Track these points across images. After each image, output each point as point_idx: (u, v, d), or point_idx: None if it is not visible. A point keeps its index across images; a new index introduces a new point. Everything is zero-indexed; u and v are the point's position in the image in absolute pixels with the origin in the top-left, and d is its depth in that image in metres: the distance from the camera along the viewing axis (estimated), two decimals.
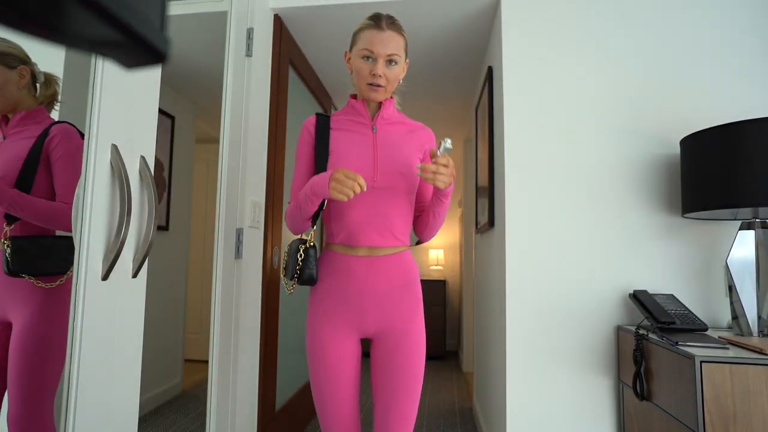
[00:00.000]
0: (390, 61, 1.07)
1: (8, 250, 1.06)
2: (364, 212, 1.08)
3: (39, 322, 1.09)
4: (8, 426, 1.04)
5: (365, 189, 0.96)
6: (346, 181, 0.94)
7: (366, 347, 4.21)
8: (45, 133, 1.12)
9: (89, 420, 0.89)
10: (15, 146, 1.10)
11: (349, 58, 1.13)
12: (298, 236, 1.16)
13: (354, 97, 1.17)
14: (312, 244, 1.10)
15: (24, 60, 1.11)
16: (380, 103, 1.14)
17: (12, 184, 1.08)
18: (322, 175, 1.01)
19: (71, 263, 0.88)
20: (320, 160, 1.11)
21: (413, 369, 1.09)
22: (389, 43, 1.05)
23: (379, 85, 1.07)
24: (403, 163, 1.10)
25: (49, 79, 1.17)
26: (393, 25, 1.07)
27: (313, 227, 1.14)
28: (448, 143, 0.99)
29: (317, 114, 1.16)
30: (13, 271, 1.06)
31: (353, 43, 1.10)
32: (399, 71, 1.10)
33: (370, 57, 1.06)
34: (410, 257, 1.15)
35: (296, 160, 1.16)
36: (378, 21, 1.06)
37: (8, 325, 1.11)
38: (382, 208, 1.08)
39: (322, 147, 1.11)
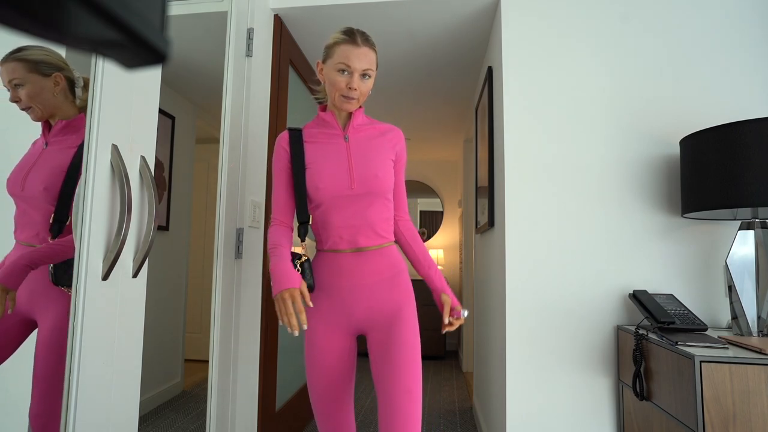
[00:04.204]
0: (364, 75, 1.13)
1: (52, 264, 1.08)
2: (347, 218, 1.14)
3: (66, 323, 1.10)
4: (30, 420, 1.05)
5: (304, 329, 1.05)
6: (291, 316, 1.01)
7: (363, 347, 4.21)
8: (83, 145, 1.14)
9: (89, 420, 0.89)
10: (57, 156, 1.11)
11: (321, 69, 1.17)
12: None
13: (323, 108, 1.22)
14: (306, 258, 1.16)
15: (59, 67, 1.12)
16: (350, 113, 1.19)
17: (56, 196, 1.09)
18: (280, 270, 1.06)
19: None
20: (298, 176, 1.16)
21: (410, 345, 1.11)
22: (365, 58, 1.11)
23: (352, 98, 1.13)
24: (377, 166, 1.15)
25: (87, 82, 1.18)
26: (367, 41, 1.13)
27: (303, 241, 1.19)
28: (465, 314, 1.17)
29: (289, 129, 1.21)
30: (57, 283, 1.08)
31: (327, 56, 1.14)
32: (371, 84, 1.16)
33: (346, 71, 1.11)
34: (395, 251, 1.20)
35: (274, 176, 1.20)
36: (353, 37, 1.11)
37: (28, 323, 1.11)
38: (362, 212, 1.14)
39: (298, 162, 1.16)
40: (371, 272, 1.14)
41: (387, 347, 1.11)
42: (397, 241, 1.26)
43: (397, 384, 1.06)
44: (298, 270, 1.14)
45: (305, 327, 1.02)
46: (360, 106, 1.20)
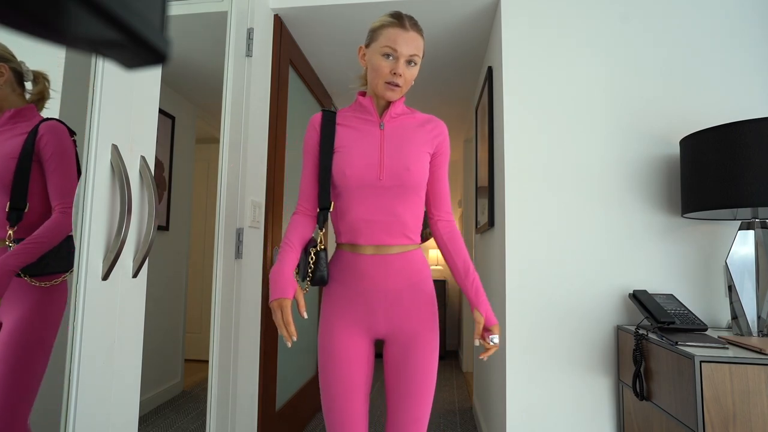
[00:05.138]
0: (410, 62, 1.06)
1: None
2: (369, 210, 1.06)
3: (31, 321, 1.08)
4: None
5: (294, 339, 1.00)
6: (280, 327, 0.99)
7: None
8: (35, 132, 1.11)
9: (89, 420, 0.89)
10: (6, 144, 1.10)
11: (364, 54, 1.11)
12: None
13: (362, 94, 1.15)
14: (322, 247, 1.10)
15: (4, 58, 1.10)
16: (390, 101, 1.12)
17: (7, 185, 1.08)
18: (276, 277, 1.03)
19: (72, 263, 0.89)
20: (325, 157, 1.09)
21: (425, 371, 1.06)
22: (412, 43, 1.04)
23: (397, 85, 1.06)
24: (410, 159, 1.06)
25: (37, 76, 1.16)
26: (415, 26, 1.06)
27: (321, 230, 1.12)
28: (494, 340, 1.08)
29: (323, 110, 1.14)
30: (24, 273, 1.07)
31: (372, 39, 1.07)
32: (416, 72, 1.08)
33: (391, 55, 1.04)
34: (421, 256, 1.12)
35: (303, 158, 1.15)
36: (401, 20, 1.04)
37: None
38: (390, 206, 1.06)
39: (327, 144, 1.10)
40: (395, 278, 1.07)
41: (403, 369, 1.06)
42: (436, 243, 1.18)
43: (406, 412, 1.04)
44: (312, 259, 1.09)
45: (294, 338, 0.99)
46: (402, 96, 1.12)
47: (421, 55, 1.07)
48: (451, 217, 1.17)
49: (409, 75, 1.07)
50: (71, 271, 0.95)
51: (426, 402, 1.06)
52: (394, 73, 1.04)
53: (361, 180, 1.06)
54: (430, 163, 1.12)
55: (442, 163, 1.14)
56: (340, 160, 1.08)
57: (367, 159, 1.07)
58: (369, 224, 1.06)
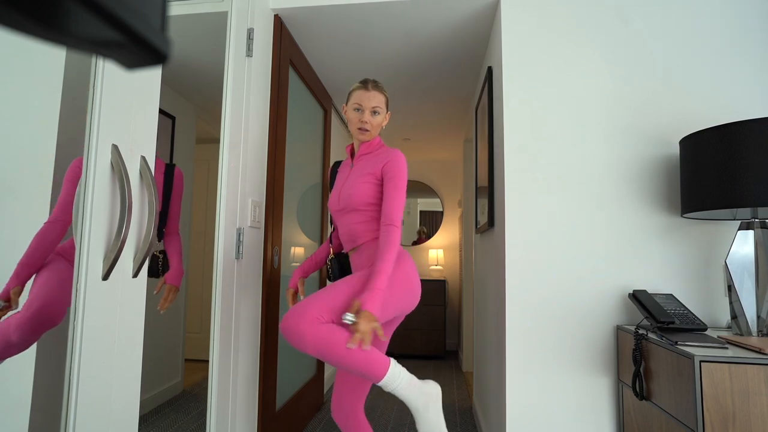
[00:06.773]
0: (374, 112, 1.44)
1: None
2: (342, 227, 1.47)
3: None
4: None
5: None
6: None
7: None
8: (171, 170, 1.69)
9: (90, 420, 0.89)
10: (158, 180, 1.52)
11: (346, 110, 1.48)
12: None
13: (350, 146, 1.55)
14: (332, 256, 1.58)
15: None
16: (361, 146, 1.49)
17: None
18: (293, 274, 1.64)
19: None
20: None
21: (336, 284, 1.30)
22: (373, 99, 1.43)
23: (366, 129, 1.43)
24: (354, 186, 1.41)
25: None
26: (376, 87, 1.45)
27: (330, 243, 1.62)
28: (347, 317, 1.17)
29: (335, 162, 1.62)
30: None
31: (348, 99, 1.48)
32: (381, 119, 1.46)
33: (359, 108, 1.43)
34: (367, 247, 1.42)
35: None
36: (365, 84, 1.44)
37: None
38: (346, 223, 1.45)
39: (332, 186, 1.58)
40: (357, 263, 1.45)
41: None
42: None
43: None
44: (328, 264, 1.57)
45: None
46: (372, 139, 1.47)
47: (383, 107, 1.46)
48: (391, 223, 1.34)
49: (375, 121, 1.45)
50: None
51: (332, 288, 1.26)
52: (362, 121, 1.43)
53: (332, 208, 1.49)
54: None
55: (386, 183, 1.39)
56: None
57: (335, 193, 1.49)
58: (344, 236, 1.47)
